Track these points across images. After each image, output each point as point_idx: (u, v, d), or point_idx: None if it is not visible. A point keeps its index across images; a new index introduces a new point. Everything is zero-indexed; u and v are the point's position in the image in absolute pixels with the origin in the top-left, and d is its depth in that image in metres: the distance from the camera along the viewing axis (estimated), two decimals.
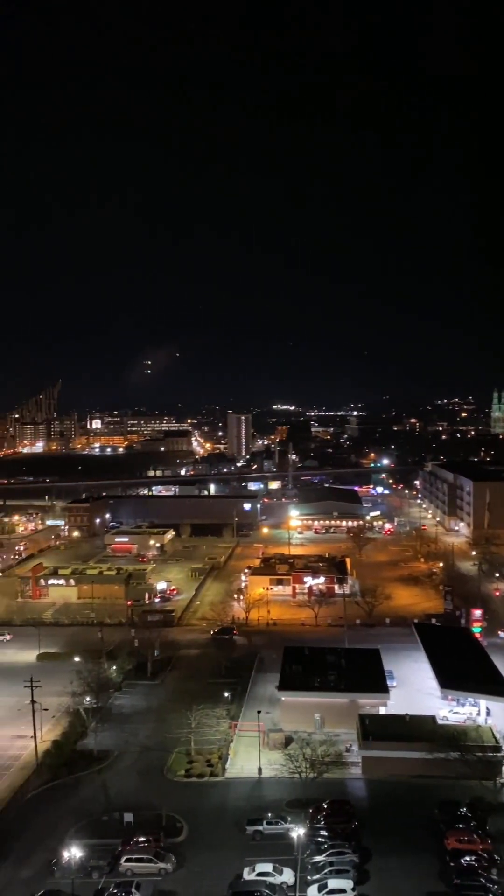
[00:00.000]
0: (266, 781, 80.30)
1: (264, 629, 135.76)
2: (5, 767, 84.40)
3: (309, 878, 63.60)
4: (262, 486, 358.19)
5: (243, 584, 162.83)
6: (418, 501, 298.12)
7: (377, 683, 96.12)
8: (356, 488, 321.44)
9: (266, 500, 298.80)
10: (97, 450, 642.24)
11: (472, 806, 73.22)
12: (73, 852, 63.69)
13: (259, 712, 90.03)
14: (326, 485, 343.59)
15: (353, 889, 60.97)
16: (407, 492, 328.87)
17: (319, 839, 68.19)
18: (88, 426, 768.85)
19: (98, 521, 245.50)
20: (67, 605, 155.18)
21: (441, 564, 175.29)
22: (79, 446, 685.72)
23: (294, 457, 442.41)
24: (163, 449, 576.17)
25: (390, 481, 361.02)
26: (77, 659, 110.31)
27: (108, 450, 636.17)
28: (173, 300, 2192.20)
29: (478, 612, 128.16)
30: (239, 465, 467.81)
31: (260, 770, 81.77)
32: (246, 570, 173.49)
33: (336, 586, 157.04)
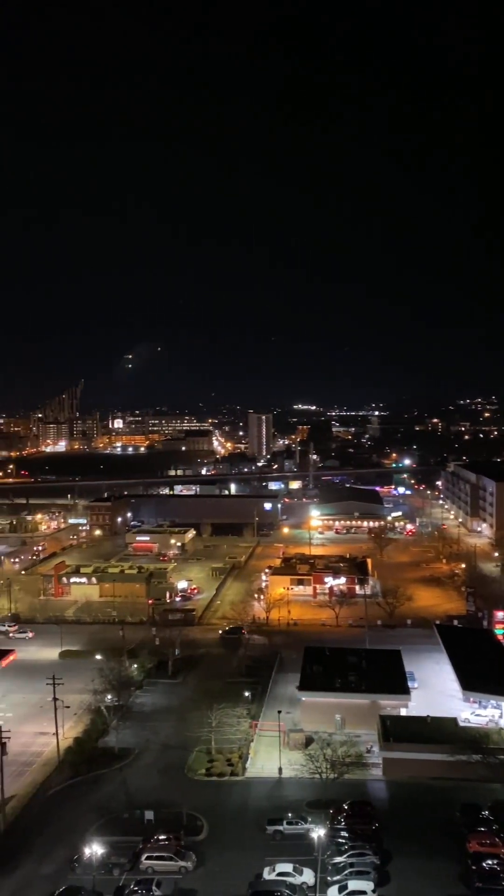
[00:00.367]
0: (286, 781, 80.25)
1: (285, 629, 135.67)
2: (28, 764, 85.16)
3: (329, 878, 63.41)
4: (282, 485, 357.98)
5: (264, 584, 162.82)
6: (440, 502, 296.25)
7: (398, 685, 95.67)
8: (377, 488, 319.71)
9: (287, 500, 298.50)
10: (119, 449, 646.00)
11: (494, 809, 72.63)
12: (95, 849, 64.00)
13: (279, 712, 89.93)
14: (347, 485, 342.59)
15: (373, 891, 60.69)
16: (429, 492, 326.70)
17: (340, 840, 67.97)
18: (110, 425, 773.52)
19: (119, 519, 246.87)
20: (89, 603, 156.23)
21: (463, 565, 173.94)
22: (101, 445, 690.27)
23: (315, 457, 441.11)
24: (184, 448, 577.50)
25: (412, 482, 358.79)
26: (99, 657, 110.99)
27: (130, 449, 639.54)
28: (199, 303, 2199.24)
29: (500, 614, 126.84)
30: (259, 464, 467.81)
31: (280, 770, 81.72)
32: (266, 570, 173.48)
33: (357, 587, 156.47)
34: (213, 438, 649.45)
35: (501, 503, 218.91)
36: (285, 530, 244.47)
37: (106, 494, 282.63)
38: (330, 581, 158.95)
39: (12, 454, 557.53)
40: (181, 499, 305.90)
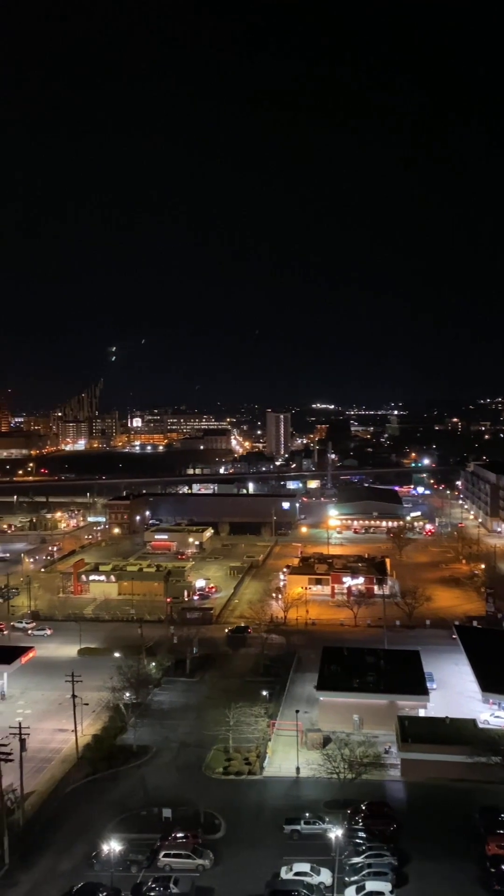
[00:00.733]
0: (304, 781, 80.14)
1: (303, 629, 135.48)
2: (46, 760, 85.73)
3: (347, 879, 63.23)
4: (300, 485, 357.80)
5: (282, 584, 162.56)
6: (460, 502, 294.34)
7: (417, 685, 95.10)
8: (396, 488, 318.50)
9: (305, 500, 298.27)
10: (137, 448, 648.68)
11: None
12: (113, 846, 64.28)
13: (297, 712, 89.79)
14: (366, 484, 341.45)
15: (391, 892, 60.37)
16: (448, 492, 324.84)
17: (358, 840, 67.74)
18: (129, 424, 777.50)
19: (138, 518, 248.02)
20: (108, 600, 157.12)
21: (483, 566, 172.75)
22: (120, 444, 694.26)
23: (333, 456, 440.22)
24: (202, 447, 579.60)
25: (431, 481, 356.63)
26: (117, 654, 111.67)
27: (149, 448, 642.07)
28: (218, 305, 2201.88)
29: None
30: (278, 463, 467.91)
31: (298, 769, 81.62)
32: (284, 570, 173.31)
33: (375, 587, 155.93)
34: (232, 437, 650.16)
35: None
36: (303, 530, 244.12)
37: (125, 493, 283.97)
38: (348, 581, 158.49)
39: (33, 453, 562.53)
40: (199, 497, 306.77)
